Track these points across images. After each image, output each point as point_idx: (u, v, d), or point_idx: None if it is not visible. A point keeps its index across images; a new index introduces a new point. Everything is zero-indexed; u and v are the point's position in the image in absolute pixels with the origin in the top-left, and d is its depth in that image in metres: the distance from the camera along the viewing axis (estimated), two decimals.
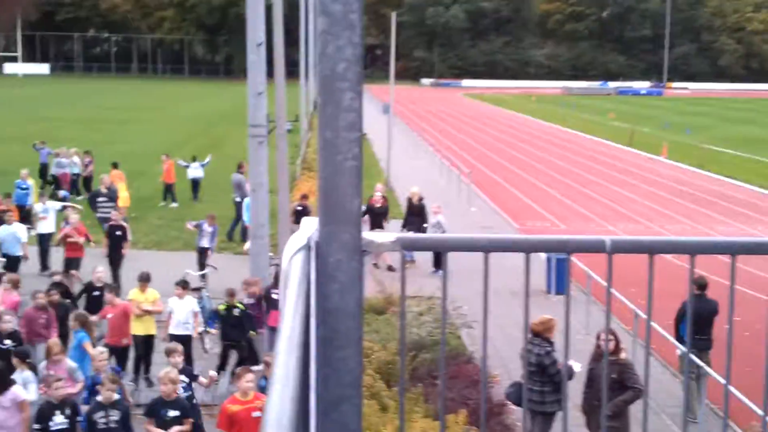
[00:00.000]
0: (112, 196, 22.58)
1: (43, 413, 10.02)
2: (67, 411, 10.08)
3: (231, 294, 13.97)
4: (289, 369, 1.53)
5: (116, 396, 10.06)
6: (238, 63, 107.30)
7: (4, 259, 17.98)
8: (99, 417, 9.89)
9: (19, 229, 18.38)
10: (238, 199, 24.09)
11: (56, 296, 13.73)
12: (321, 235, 2.21)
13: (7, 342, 12.04)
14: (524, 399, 3.39)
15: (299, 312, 1.83)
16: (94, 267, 15.57)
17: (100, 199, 22.63)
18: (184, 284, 14.02)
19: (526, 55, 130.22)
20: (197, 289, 15.73)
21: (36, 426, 9.99)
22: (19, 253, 18.22)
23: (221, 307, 13.93)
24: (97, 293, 14.51)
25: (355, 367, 2.20)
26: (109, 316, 13.52)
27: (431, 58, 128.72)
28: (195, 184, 29.58)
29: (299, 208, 20.50)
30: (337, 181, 2.18)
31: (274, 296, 14.16)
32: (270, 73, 15.44)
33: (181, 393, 10.55)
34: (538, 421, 10.55)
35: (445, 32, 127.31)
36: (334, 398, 2.17)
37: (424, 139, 50.97)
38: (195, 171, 29.46)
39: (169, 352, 11.28)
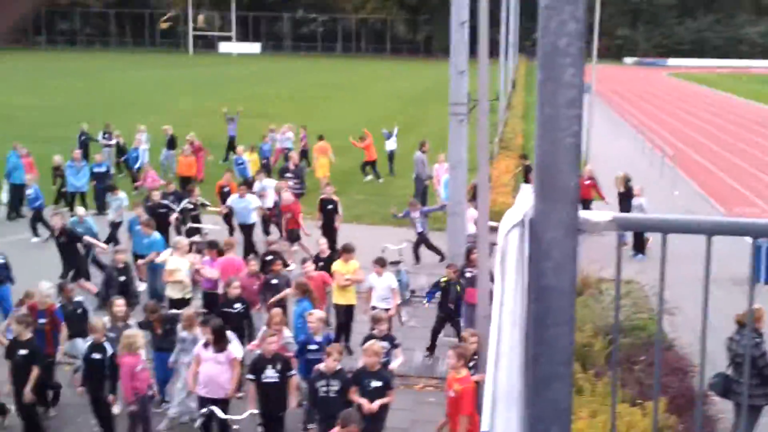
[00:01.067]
0: (299, 174, 23.36)
1: (256, 366, 10.62)
2: (278, 366, 10.59)
3: (454, 269, 14.19)
4: (515, 343, 1.53)
5: (339, 366, 10.45)
6: (438, 42, 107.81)
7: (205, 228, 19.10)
8: (320, 385, 10.31)
9: (252, 200, 19.50)
10: (413, 176, 25.07)
11: (278, 266, 14.44)
12: (536, 212, 2.20)
13: (237, 306, 12.82)
14: (744, 394, 3.24)
15: (519, 288, 1.83)
16: (317, 239, 16.18)
17: (287, 174, 23.58)
18: (382, 262, 14.34)
19: (739, 32, 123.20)
20: (396, 263, 16.03)
21: (250, 376, 10.61)
22: (252, 221, 19.32)
23: (443, 280, 14.20)
24: (322, 263, 15.15)
25: (567, 346, 2.18)
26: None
27: (635, 36, 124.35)
28: (390, 156, 30.44)
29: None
30: (555, 158, 2.16)
31: (468, 274, 14.29)
32: (472, 52, 15.44)
33: (382, 358, 10.83)
34: (744, 414, 10.08)
35: (650, 9, 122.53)
36: (546, 376, 2.16)
37: (626, 119, 49.45)
38: (390, 144, 30.34)
39: (375, 320, 11.57)
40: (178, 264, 14.40)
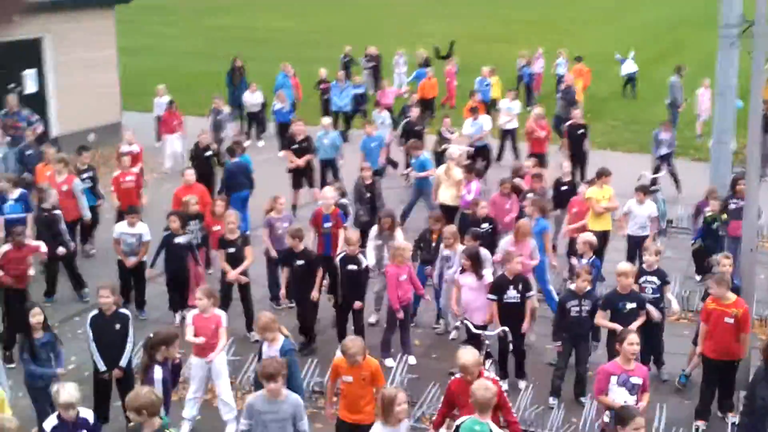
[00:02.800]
0: (569, 99, 22.87)
1: (499, 286, 10.83)
2: (520, 286, 10.77)
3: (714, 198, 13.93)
4: None
5: (589, 287, 10.52)
6: None
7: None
8: (572, 305, 10.41)
9: (485, 122, 19.73)
10: (667, 101, 24.15)
11: (539, 183, 14.61)
12: None
13: (485, 225, 13.17)
14: None
15: None
16: (560, 162, 16.10)
17: (558, 95, 23.31)
18: (644, 189, 14.09)
19: None
20: (653, 192, 15.65)
21: (492, 296, 10.85)
22: (485, 144, 19.60)
23: (708, 216, 13.88)
24: (564, 188, 15.15)
25: None
26: (574, 210, 14.18)
27: None
28: (629, 80, 29.62)
29: None
30: None
31: (732, 206, 13.73)
32: None
33: (649, 294, 10.77)
34: None
35: None
36: None
37: None
38: (627, 67, 29.61)
39: (645, 250, 11.38)
40: (457, 173, 15.13)
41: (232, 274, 12.10)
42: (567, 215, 14.54)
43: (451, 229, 12.32)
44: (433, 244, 12.57)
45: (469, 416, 7.30)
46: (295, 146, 17.38)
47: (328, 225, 12.86)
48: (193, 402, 9.92)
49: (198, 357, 9.75)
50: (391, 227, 12.65)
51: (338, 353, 8.56)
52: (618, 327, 9.86)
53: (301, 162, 17.26)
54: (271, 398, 7.56)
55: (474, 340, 10.79)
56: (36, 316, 9.26)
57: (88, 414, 7.44)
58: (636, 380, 8.44)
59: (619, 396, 8.36)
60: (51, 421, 7.28)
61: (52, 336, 9.47)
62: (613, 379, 8.42)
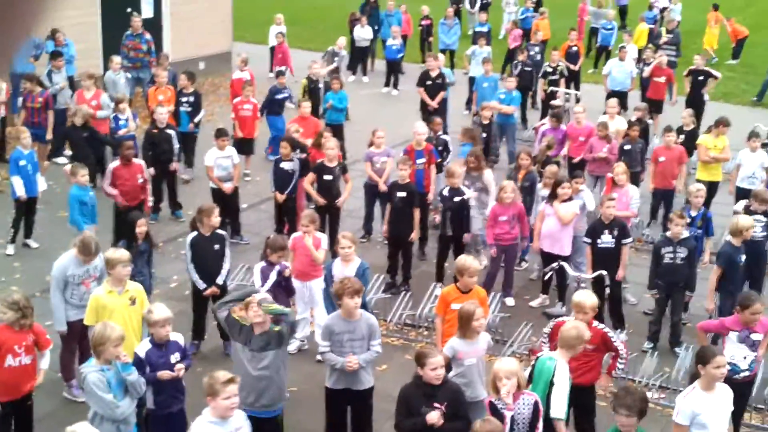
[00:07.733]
0: (676, 41, 21.82)
1: (593, 230, 10.65)
2: (615, 232, 10.50)
3: None
4: None
5: (686, 234, 10.23)
6: None
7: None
8: (666, 252, 10.19)
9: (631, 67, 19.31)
10: None
11: (635, 132, 14.07)
12: None
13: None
14: None
15: None
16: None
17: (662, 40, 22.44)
18: (757, 135, 13.51)
19: None
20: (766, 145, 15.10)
21: (586, 240, 10.71)
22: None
23: None
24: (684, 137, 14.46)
25: None
26: (661, 159, 13.33)
27: None
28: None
29: None
30: None
31: None
32: None
33: (758, 233, 10.60)
34: None
35: None
36: None
37: None
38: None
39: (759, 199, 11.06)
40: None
41: (341, 199, 12.31)
42: (651, 165, 13.68)
43: (553, 168, 12.01)
44: (518, 184, 12.11)
45: (547, 353, 7.25)
46: (430, 82, 17.00)
47: (420, 161, 12.64)
48: (303, 322, 10.05)
49: (298, 280, 9.81)
50: (477, 167, 12.19)
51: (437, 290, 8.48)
52: None
53: (434, 104, 16.87)
54: (347, 318, 7.52)
55: (558, 275, 11.00)
56: (141, 227, 9.56)
57: (178, 337, 7.51)
58: (756, 336, 8.17)
59: (738, 352, 8.08)
60: (144, 346, 7.33)
61: (149, 246, 9.77)
62: (733, 335, 8.16)
